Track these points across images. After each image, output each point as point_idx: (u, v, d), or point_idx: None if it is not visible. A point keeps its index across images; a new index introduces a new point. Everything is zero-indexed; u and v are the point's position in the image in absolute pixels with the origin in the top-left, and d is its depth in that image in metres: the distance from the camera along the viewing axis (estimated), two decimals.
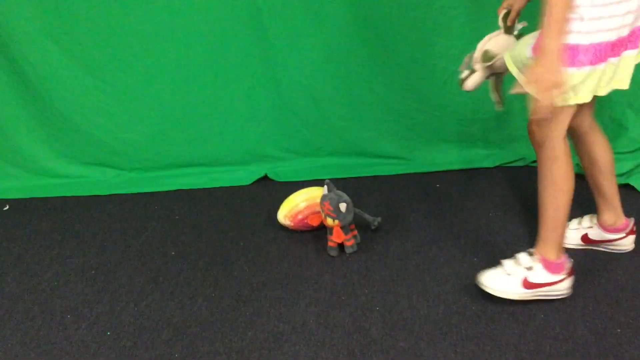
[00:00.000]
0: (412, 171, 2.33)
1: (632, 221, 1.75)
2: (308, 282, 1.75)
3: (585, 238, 1.77)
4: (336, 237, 1.84)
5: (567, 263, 1.57)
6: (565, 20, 1.30)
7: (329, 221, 1.83)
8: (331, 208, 1.81)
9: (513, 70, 1.44)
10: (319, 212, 1.90)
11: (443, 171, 2.34)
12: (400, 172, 2.37)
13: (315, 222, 1.94)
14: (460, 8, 2.09)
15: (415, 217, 2.05)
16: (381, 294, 1.67)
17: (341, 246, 1.88)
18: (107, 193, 2.45)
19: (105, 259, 1.97)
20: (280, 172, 2.47)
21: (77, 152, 2.54)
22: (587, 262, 1.74)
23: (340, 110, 2.38)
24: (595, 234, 1.76)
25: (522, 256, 1.60)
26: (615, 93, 2.23)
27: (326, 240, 1.88)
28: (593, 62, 1.34)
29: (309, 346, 1.50)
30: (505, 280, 1.58)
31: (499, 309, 1.57)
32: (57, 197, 2.45)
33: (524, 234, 1.89)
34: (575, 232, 1.78)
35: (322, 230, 1.95)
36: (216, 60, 2.33)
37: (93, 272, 1.90)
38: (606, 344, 1.43)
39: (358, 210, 1.90)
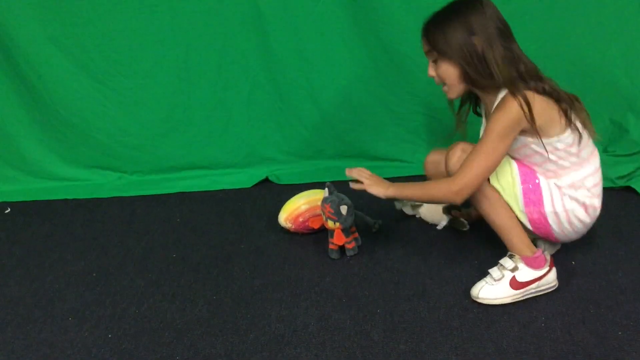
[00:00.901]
0: (413, 174, 2.33)
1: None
2: (309, 284, 1.75)
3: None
4: (337, 239, 1.84)
5: (545, 255, 1.62)
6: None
7: (330, 224, 1.84)
8: (332, 211, 1.81)
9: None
10: (320, 215, 1.90)
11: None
12: (402, 175, 2.36)
13: (316, 225, 1.94)
14: None
15: (416, 219, 2.05)
16: (382, 297, 1.67)
17: (342, 249, 1.88)
18: (109, 196, 2.46)
19: (106, 262, 1.97)
20: (281, 174, 2.48)
21: (78, 155, 2.55)
22: (587, 264, 1.74)
23: (341, 113, 2.39)
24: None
25: (505, 260, 1.64)
26: (616, 96, 2.26)
27: (327, 242, 1.89)
28: None
29: (310, 348, 1.50)
30: (496, 287, 1.62)
31: (500, 311, 1.57)
32: (59, 200, 2.46)
33: None
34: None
35: (323, 232, 1.95)
36: (217, 63, 2.34)
37: (94, 274, 1.90)
38: (608, 346, 1.43)
39: (359, 213, 1.90)
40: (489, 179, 1.59)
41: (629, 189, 2.13)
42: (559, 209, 1.59)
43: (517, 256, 1.62)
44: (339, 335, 1.54)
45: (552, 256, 1.68)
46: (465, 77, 1.55)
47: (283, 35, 2.27)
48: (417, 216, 2.03)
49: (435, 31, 1.54)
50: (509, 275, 1.61)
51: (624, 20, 2.18)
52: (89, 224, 2.25)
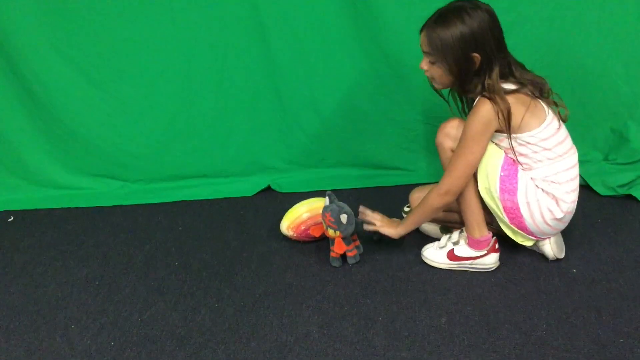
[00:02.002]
0: (414, 182, 2.33)
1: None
2: (311, 292, 1.76)
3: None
4: (338, 248, 1.85)
5: (490, 241, 1.77)
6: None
7: (331, 232, 1.84)
8: (332, 219, 1.82)
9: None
10: (321, 223, 1.91)
11: None
12: (403, 183, 2.37)
13: (317, 233, 1.94)
14: None
15: (418, 230, 2.06)
16: (384, 304, 1.68)
17: (344, 257, 1.88)
18: (111, 204, 2.46)
19: (109, 270, 1.98)
20: (283, 183, 2.48)
21: (81, 164, 2.55)
22: (588, 272, 1.74)
23: (342, 122, 2.40)
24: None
25: (455, 234, 1.85)
26: (616, 104, 2.27)
27: (329, 251, 1.89)
28: None
29: (312, 356, 1.50)
30: (437, 252, 1.84)
31: (502, 319, 1.58)
32: (62, 208, 2.47)
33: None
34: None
35: (325, 240, 1.96)
36: (219, 72, 2.35)
37: (97, 282, 1.91)
38: (609, 354, 1.43)
39: (360, 221, 1.91)
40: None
41: (630, 197, 2.13)
42: (531, 199, 1.67)
43: (464, 234, 1.80)
44: (340, 343, 1.54)
45: (500, 244, 1.81)
46: (457, 82, 1.66)
47: (285, 45, 2.27)
48: (419, 229, 2.04)
49: (438, 37, 1.59)
50: (450, 246, 1.82)
51: (625, 29, 2.18)
52: (91, 232, 2.25)
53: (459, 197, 1.74)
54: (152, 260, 2.01)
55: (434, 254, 1.84)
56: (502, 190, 1.67)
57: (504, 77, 1.62)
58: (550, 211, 1.68)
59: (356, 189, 2.40)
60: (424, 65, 1.69)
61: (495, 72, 1.59)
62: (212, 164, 2.52)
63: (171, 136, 2.46)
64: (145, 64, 2.34)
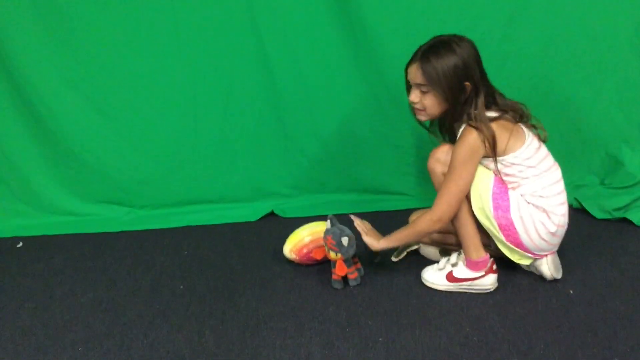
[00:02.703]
0: (414, 206, 2.36)
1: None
2: (313, 314, 1.79)
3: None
4: (339, 270, 1.88)
5: (488, 262, 1.80)
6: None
7: (332, 255, 1.88)
8: (334, 242, 1.86)
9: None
10: (323, 246, 1.95)
11: None
12: (403, 208, 2.42)
13: (319, 256, 1.98)
14: None
15: (418, 250, 2.09)
16: (384, 325, 1.70)
17: (345, 279, 1.92)
18: (118, 230, 2.50)
19: (115, 294, 2.01)
20: (286, 208, 2.52)
21: (89, 191, 2.59)
22: (585, 293, 1.78)
23: (343, 148, 2.45)
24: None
25: (453, 256, 1.87)
26: (611, 129, 2.32)
27: (331, 273, 1.93)
28: None
29: None
30: (437, 274, 1.87)
31: (500, 339, 1.60)
32: (69, 234, 2.50)
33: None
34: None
35: (327, 263, 1.99)
36: (224, 101, 2.41)
37: (104, 306, 1.94)
38: None
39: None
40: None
41: (625, 220, 2.17)
42: (524, 214, 1.72)
43: (462, 255, 1.84)
44: None
45: (498, 265, 1.84)
46: (448, 111, 1.74)
47: (287, 74, 2.33)
48: (420, 251, 2.08)
49: (434, 67, 1.68)
50: (449, 268, 1.85)
51: (617, 57, 2.24)
52: (98, 257, 2.29)
53: (454, 220, 1.79)
54: (158, 284, 2.04)
55: (433, 276, 1.88)
56: (496, 207, 1.72)
57: (487, 105, 1.71)
58: (543, 224, 1.73)
59: (357, 213, 2.43)
60: (415, 97, 1.77)
61: (481, 100, 1.69)
62: (216, 190, 2.56)
63: (177, 163, 2.51)
64: (151, 94, 2.40)
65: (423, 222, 1.79)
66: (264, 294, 1.92)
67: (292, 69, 2.33)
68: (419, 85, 1.74)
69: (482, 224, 1.77)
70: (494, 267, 1.82)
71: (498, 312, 1.72)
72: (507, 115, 1.72)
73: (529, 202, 1.73)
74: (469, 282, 1.82)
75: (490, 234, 1.79)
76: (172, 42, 2.32)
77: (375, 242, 1.88)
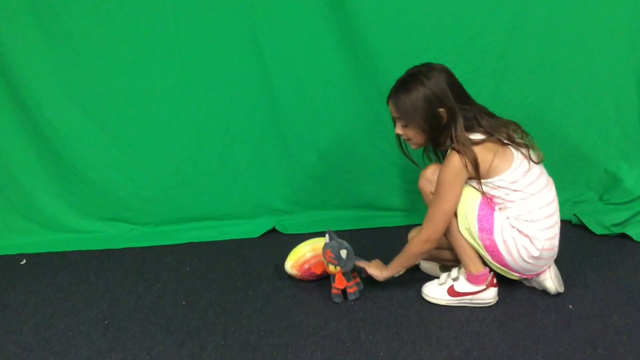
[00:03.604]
0: (415, 223, 2.39)
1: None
2: (314, 329, 1.80)
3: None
4: (339, 283, 1.90)
5: (488, 276, 1.82)
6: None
7: (331, 268, 1.90)
8: (333, 255, 1.88)
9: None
10: (323, 261, 1.97)
11: None
12: (403, 224, 2.44)
13: (319, 270, 2.00)
14: (457, 68, 2.18)
15: (417, 265, 2.11)
16: (385, 340, 1.72)
17: (345, 293, 1.94)
18: (121, 247, 2.52)
19: (118, 310, 2.02)
20: (288, 224, 2.54)
21: (92, 208, 2.61)
22: (584, 308, 1.79)
23: (344, 165, 2.47)
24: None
25: (453, 270, 1.89)
26: (609, 146, 2.34)
27: (331, 288, 1.94)
28: None
29: None
30: (438, 289, 1.89)
31: (500, 353, 1.61)
32: (73, 251, 2.52)
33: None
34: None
35: (328, 279, 2.01)
36: (226, 119, 2.44)
37: (106, 322, 1.95)
38: None
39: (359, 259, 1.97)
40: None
41: (623, 235, 2.18)
42: (507, 237, 1.74)
43: (463, 270, 1.86)
44: None
45: (498, 280, 1.85)
46: (429, 138, 1.80)
47: (289, 91, 2.37)
48: (419, 267, 2.09)
49: (404, 102, 1.76)
50: (449, 282, 1.87)
51: (615, 73, 2.27)
52: (101, 274, 2.31)
53: (449, 236, 1.82)
54: (160, 300, 2.06)
55: (435, 291, 1.89)
56: (480, 229, 1.75)
57: (471, 128, 1.73)
58: (526, 249, 1.74)
59: (359, 229, 2.46)
60: (399, 130, 1.84)
61: (460, 124, 1.72)
62: (218, 206, 2.58)
63: (179, 180, 2.53)
64: (155, 112, 2.43)
65: (414, 245, 1.85)
66: (265, 310, 1.94)
67: (293, 87, 2.36)
68: (397, 119, 1.82)
69: (469, 242, 1.80)
70: (495, 280, 1.84)
71: (498, 327, 1.73)
72: (493, 138, 1.73)
73: (513, 226, 1.74)
74: (470, 296, 1.83)
75: (480, 253, 1.81)
76: (175, 60, 2.35)
77: (379, 273, 1.92)
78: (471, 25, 2.21)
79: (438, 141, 1.79)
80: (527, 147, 1.77)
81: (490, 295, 1.83)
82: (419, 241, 1.82)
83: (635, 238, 2.16)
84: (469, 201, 1.77)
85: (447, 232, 1.82)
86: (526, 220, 1.73)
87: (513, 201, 1.74)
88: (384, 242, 2.33)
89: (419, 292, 1.93)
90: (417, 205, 2.49)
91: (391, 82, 2.26)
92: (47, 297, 2.16)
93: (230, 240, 2.51)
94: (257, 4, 2.26)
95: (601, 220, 2.23)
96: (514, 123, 1.79)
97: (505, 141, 1.74)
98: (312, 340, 1.75)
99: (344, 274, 1.91)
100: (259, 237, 2.52)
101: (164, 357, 1.74)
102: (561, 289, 1.84)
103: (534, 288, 1.89)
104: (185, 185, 2.54)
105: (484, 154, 1.71)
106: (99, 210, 2.61)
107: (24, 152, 2.53)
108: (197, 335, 1.83)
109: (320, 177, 2.51)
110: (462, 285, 1.84)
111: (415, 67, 1.80)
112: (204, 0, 2.26)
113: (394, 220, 2.49)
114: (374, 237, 2.38)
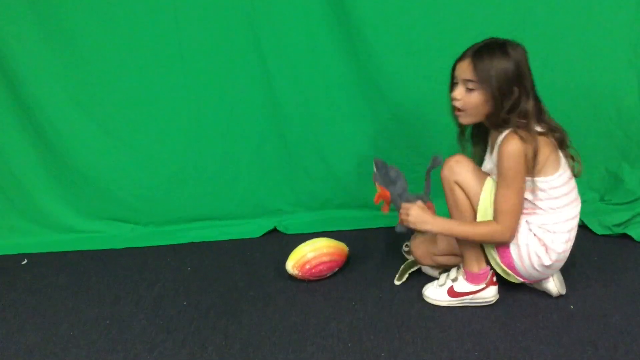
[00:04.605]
0: None
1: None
2: (315, 329, 1.80)
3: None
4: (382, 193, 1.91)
5: (488, 274, 1.81)
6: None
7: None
8: (381, 180, 1.89)
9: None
10: (325, 262, 1.97)
11: None
12: None
13: (320, 271, 2.01)
14: None
15: (420, 270, 2.11)
16: (386, 341, 1.72)
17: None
18: (122, 247, 2.52)
19: (119, 310, 2.02)
20: (289, 224, 2.54)
21: (93, 208, 2.62)
22: (585, 308, 1.79)
23: (346, 166, 2.48)
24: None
25: (452, 271, 1.89)
26: (610, 147, 2.35)
27: (332, 290, 1.96)
28: None
29: None
30: (438, 290, 1.88)
31: (501, 354, 1.61)
32: (74, 251, 2.52)
33: None
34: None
35: (329, 279, 2.02)
36: (227, 119, 2.44)
37: (107, 322, 1.96)
38: None
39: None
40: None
41: (625, 235, 2.18)
42: (521, 242, 1.71)
43: (462, 269, 1.85)
44: None
45: (497, 276, 1.85)
46: (491, 113, 1.67)
47: (290, 92, 2.37)
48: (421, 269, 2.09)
49: (485, 65, 1.61)
50: (449, 283, 1.86)
51: (616, 74, 2.27)
52: (102, 274, 2.31)
53: (458, 238, 1.81)
54: (161, 300, 2.06)
55: (435, 293, 1.88)
56: None
57: (533, 118, 1.64)
58: (539, 257, 1.72)
59: (360, 229, 2.46)
60: (459, 94, 1.67)
61: (530, 109, 1.62)
62: (219, 207, 2.58)
63: (180, 180, 2.53)
64: (155, 112, 2.43)
65: (488, 231, 1.72)
66: (267, 310, 1.94)
67: (294, 87, 2.36)
68: (466, 82, 1.65)
69: None
70: (494, 279, 1.84)
71: (499, 327, 1.73)
72: (550, 135, 1.65)
73: (531, 231, 1.71)
74: (470, 296, 1.83)
75: (487, 252, 1.80)
76: (176, 62, 2.35)
77: (429, 218, 1.79)
78: (472, 26, 2.19)
79: (496, 121, 1.66)
80: (572, 158, 1.72)
81: (490, 294, 1.83)
82: (498, 232, 1.69)
83: (636, 238, 2.15)
84: (491, 197, 1.72)
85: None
86: (548, 231, 1.71)
87: (543, 209, 1.69)
88: (385, 242, 2.33)
89: (420, 293, 1.93)
90: None
91: (392, 83, 2.29)
92: (48, 297, 2.16)
93: (231, 240, 2.51)
94: (258, 5, 2.26)
95: (602, 221, 2.23)
96: (566, 132, 1.71)
97: (557, 144, 1.68)
98: (313, 341, 1.75)
99: (392, 200, 1.89)
100: (260, 237, 2.52)
101: (165, 357, 1.74)
102: (563, 291, 1.84)
103: (535, 289, 1.89)
104: (187, 185, 2.54)
105: (544, 148, 1.62)
106: (100, 210, 2.62)
107: (25, 153, 2.53)
108: (198, 335, 1.83)
109: (321, 177, 2.51)
110: (462, 286, 1.84)
111: (497, 37, 1.66)
112: (205, 1, 2.26)
113: (395, 220, 2.45)
114: (375, 238, 2.38)
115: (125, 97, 2.41)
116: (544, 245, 1.71)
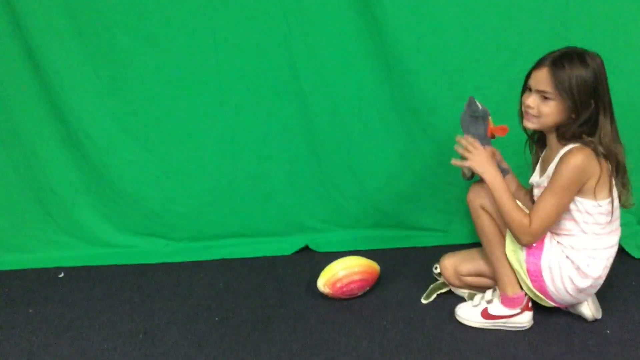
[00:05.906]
0: (449, 243, 2.38)
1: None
2: (346, 348, 1.80)
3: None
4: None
5: (524, 299, 1.79)
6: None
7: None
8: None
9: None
10: (356, 280, 1.97)
11: (479, 243, 2.37)
12: (437, 244, 2.42)
13: (351, 290, 2.00)
14: (493, 88, 2.20)
15: (451, 291, 2.09)
16: None
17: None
18: (156, 262, 2.55)
19: (153, 324, 2.05)
20: (321, 242, 2.55)
21: (129, 223, 2.65)
22: (622, 333, 1.75)
23: (378, 184, 2.47)
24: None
25: (488, 292, 1.88)
26: None
27: (363, 309, 1.95)
28: None
29: None
30: (471, 310, 1.86)
31: None
32: (109, 265, 2.56)
33: None
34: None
35: (360, 298, 2.01)
36: (260, 137, 2.46)
37: (141, 336, 1.98)
38: None
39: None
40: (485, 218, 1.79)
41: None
42: (554, 265, 1.68)
43: (497, 292, 1.84)
44: None
45: (533, 303, 1.81)
46: (563, 124, 1.64)
47: (323, 110, 2.38)
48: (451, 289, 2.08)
49: (565, 74, 1.57)
50: (483, 305, 1.84)
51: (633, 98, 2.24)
52: (136, 288, 2.34)
53: (491, 255, 1.79)
54: (194, 316, 2.08)
55: (468, 313, 1.87)
56: (528, 253, 1.71)
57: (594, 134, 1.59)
58: (571, 280, 1.69)
59: (391, 248, 2.45)
60: (533, 102, 1.64)
61: (608, 124, 1.59)
62: (252, 224, 2.60)
63: (214, 197, 2.56)
64: (192, 130, 2.47)
65: (519, 220, 1.66)
66: (297, 327, 1.94)
67: (327, 105, 2.38)
68: (542, 92, 1.62)
69: (511, 264, 1.77)
70: (530, 304, 1.81)
71: (534, 351, 1.71)
72: (611, 160, 1.61)
73: (563, 252, 1.69)
74: (504, 320, 1.81)
75: (518, 276, 1.77)
76: (212, 79, 2.38)
77: (489, 166, 1.72)
78: (508, 44, 2.20)
79: (566, 132, 1.62)
80: (624, 186, 1.68)
81: (525, 319, 1.80)
82: (525, 225, 1.65)
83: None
84: None
85: (491, 251, 1.79)
86: (588, 256, 1.68)
87: (586, 233, 1.67)
88: (417, 262, 2.31)
89: (452, 313, 1.91)
90: (451, 225, 2.47)
91: (425, 102, 2.28)
92: (84, 310, 2.19)
93: (263, 257, 2.52)
94: (293, 25, 2.28)
95: None
96: (625, 159, 1.67)
97: (614, 171, 1.64)
98: None
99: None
100: (291, 254, 2.52)
101: None
102: (598, 315, 1.80)
103: (570, 312, 1.86)
104: (220, 202, 2.56)
105: (604, 172, 1.60)
106: (136, 225, 2.65)
107: (64, 168, 2.58)
108: (229, 352, 1.84)
109: (353, 196, 2.51)
110: (497, 309, 1.82)
111: (574, 47, 1.62)
112: (242, 21, 2.29)
113: (427, 240, 2.47)
114: (406, 257, 2.37)
115: (162, 115, 2.45)
116: (577, 268, 1.68)
